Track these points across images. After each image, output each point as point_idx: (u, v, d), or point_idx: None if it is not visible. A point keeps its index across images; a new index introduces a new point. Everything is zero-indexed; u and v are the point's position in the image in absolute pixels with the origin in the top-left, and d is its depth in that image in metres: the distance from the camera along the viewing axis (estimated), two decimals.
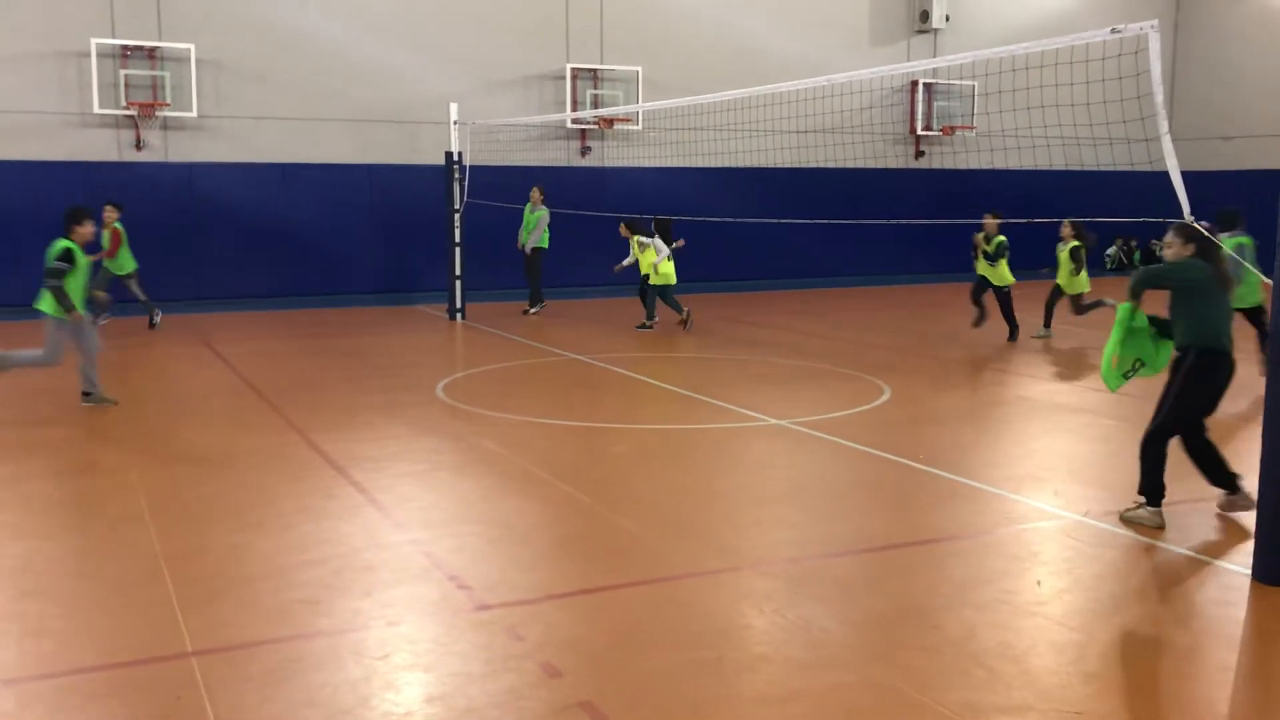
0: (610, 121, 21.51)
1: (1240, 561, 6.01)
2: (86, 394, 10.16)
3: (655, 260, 15.48)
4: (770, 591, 5.62)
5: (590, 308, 18.28)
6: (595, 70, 21.61)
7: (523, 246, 17.54)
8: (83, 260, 9.91)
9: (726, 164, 20.67)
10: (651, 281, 15.61)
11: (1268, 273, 5.83)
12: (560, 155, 21.81)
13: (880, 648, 4.96)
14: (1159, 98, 7.18)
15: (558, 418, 9.84)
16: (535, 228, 17.55)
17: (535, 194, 17.61)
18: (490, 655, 4.83)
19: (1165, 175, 6.96)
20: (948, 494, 7.48)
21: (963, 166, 24.27)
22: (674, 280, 15.66)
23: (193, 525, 6.72)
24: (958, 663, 4.76)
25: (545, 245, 17.66)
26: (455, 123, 16.92)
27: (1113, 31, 7.50)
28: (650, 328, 15.66)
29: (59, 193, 18.08)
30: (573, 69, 21.32)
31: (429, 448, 8.75)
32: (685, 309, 15.64)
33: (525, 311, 17.38)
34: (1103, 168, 19.59)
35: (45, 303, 9.72)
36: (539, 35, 21.24)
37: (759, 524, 6.81)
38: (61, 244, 9.80)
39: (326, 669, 4.69)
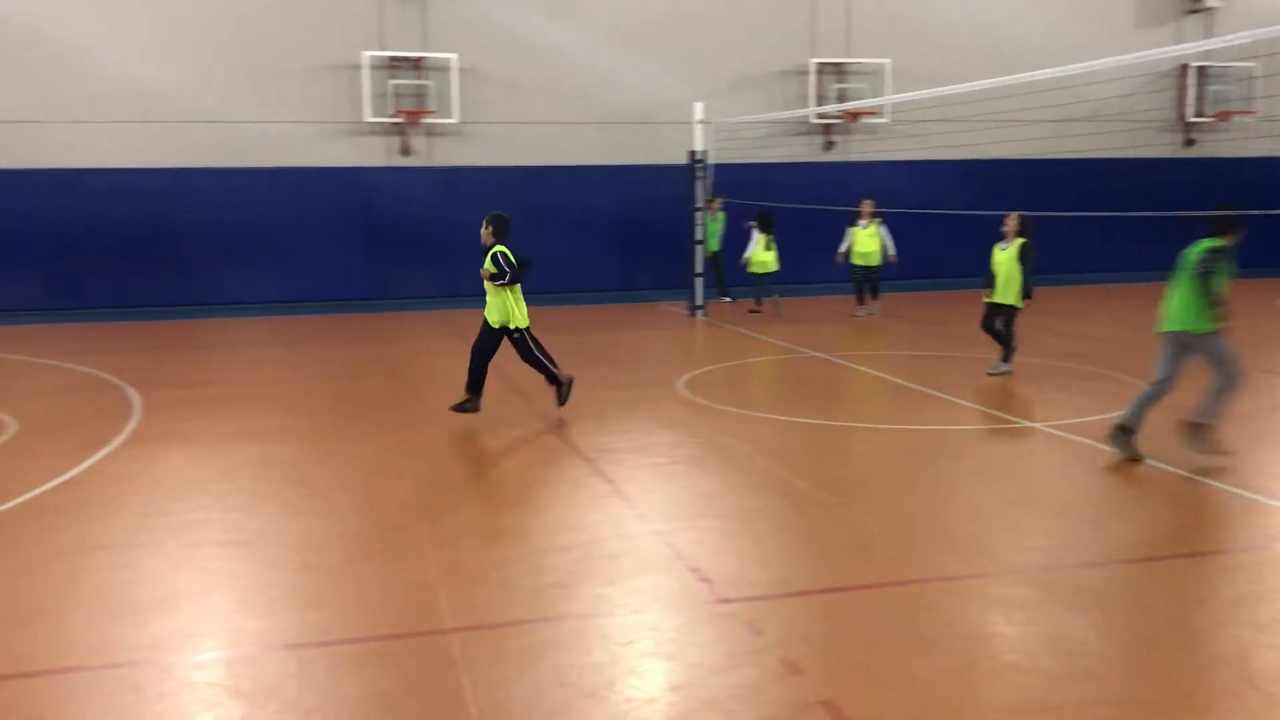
0: (855, 115, 21.19)
1: None
2: (1197, 426, 7.76)
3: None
4: (1021, 599, 5.41)
5: (830, 305, 18.09)
6: (841, 64, 21.35)
7: (713, 255, 18.01)
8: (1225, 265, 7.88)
9: (977, 156, 20.00)
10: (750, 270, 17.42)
11: None
12: (802, 151, 21.68)
13: (1141, 663, 4.69)
14: None
15: (797, 415, 9.80)
16: (719, 234, 18.22)
17: (716, 202, 17.82)
18: (731, 648, 4.87)
19: None
20: (1219, 504, 6.98)
21: (1240, 154, 22.51)
22: (770, 269, 17.34)
23: (454, 509, 7.10)
24: (1229, 684, 4.44)
25: (716, 248, 18.08)
26: (699, 122, 17.11)
27: None
28: (758, 312, 17.19)
29: (333, 198, 19.51)
30: (818, 63, 21.14)
31: (670, 441, 8.90)
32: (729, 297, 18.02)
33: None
34: None
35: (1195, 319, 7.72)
36: (783, 31, 21.19)
37: (1010, 529, 6.56)
38: (1209, 243, 7.97)
39: (574, 652, 4.87)
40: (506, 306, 9.77)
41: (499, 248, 9.75)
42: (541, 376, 9.96)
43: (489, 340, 9.83)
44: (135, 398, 10.83)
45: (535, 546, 6.28)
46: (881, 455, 8.50)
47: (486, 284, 9.83)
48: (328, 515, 7.03)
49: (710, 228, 17.91)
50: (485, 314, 9.91)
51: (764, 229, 17.37)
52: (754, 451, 8.46)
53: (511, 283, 9.69)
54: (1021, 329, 11.98)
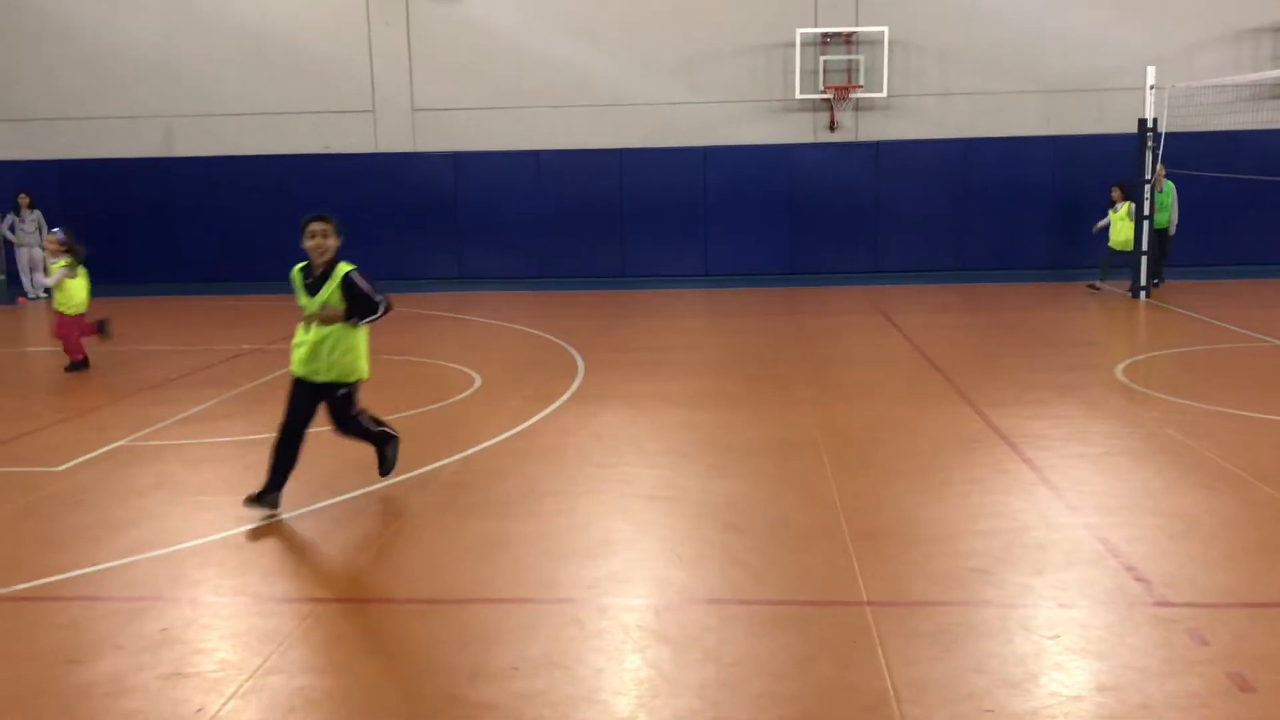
0: None
1: None
2: None
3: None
4: None
5: None
6: None
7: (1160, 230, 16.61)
8: None
9: None
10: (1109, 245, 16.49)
11: None
12: (1275, 117, 19.36)
13: None
14: None
15: (1257, 410, 8.82)
16: (1171, 207, 16.71)
17: (1160, 170, 16.13)
18: (1169, 655, 4.52)
19: None
20: None
21: None
22: (1126, 248, 16.09)
23: (871, 483, 7.10)
24: None
25: (1164, 225, 16.63)
26: (1151, 87, 15.76)
27: None
28: (1096, 289, 16.70)
29: (759, 174, 20.01)
30: None
31: (1105, 431, 8.35)
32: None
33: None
34: None
35: None
36: None
37: None
38: None
39: (995, 639, 4.73)
40: (357, 352, 6.70)
41: (348, 266, 6.57)
42: (370, 444, 7.07)
43: (308, 408, 6.64)
44: (578, 359, 11.75)
45: (955, 529, 6.15)
46: None
47: (315, 325, 6.54)
48: (747, 480, 7.27)
49: (1158, 200, 16.51)
50: (304, 370, 6.60)
51: (1130, 200, 16.09)
52: (1203, 447, 7.74)
53: (382, 315, 6.64)
54: None
